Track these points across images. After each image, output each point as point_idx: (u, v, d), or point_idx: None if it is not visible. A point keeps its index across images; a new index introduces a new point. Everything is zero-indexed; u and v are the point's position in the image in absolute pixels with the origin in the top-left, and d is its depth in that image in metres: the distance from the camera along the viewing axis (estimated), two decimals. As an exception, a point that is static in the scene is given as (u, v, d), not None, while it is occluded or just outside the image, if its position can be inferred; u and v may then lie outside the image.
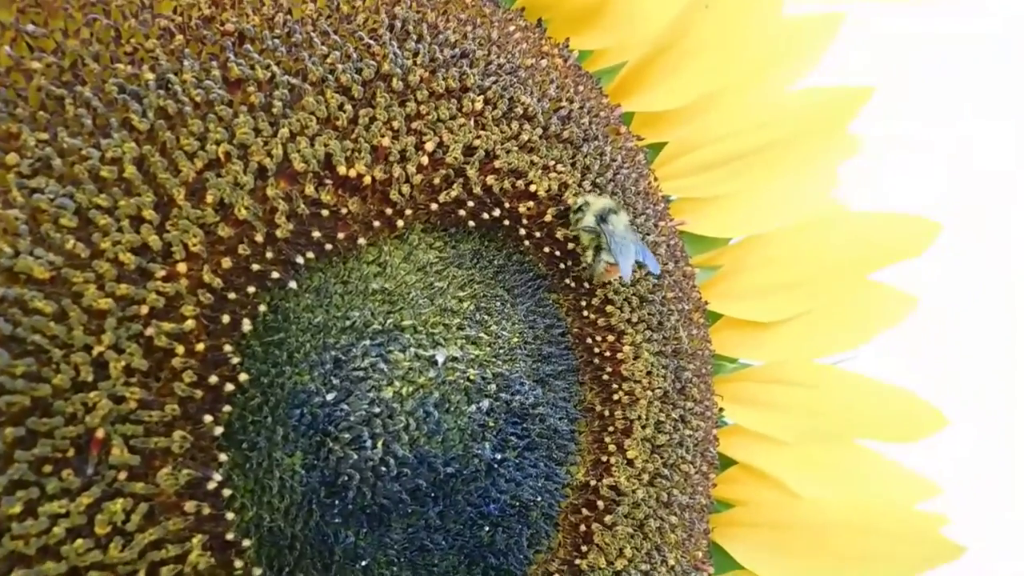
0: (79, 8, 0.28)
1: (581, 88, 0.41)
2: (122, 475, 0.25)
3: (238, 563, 0.26)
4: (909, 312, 0.49)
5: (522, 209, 0.35)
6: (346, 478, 0.29)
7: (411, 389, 0.30)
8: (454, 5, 0.37)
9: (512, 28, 0.40)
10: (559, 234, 0.36)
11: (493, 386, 0.32)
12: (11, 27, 0.27)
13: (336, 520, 0.29)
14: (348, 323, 0.30)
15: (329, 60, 0.31)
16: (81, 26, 0.27)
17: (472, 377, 0.32)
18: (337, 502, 0.29)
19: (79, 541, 0.24)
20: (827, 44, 0.47)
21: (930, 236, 0.46)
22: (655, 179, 0.46)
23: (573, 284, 0.37)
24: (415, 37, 0.33)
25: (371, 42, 0.32)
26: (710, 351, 0.46)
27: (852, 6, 0.47)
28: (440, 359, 0.31)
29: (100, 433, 0.24)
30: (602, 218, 0.36)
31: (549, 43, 0.42)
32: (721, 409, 0.48)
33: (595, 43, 0.46)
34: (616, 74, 0.46)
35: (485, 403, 0.32)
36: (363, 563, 0.30)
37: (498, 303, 0.34)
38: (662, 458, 0.39)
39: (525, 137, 0.36)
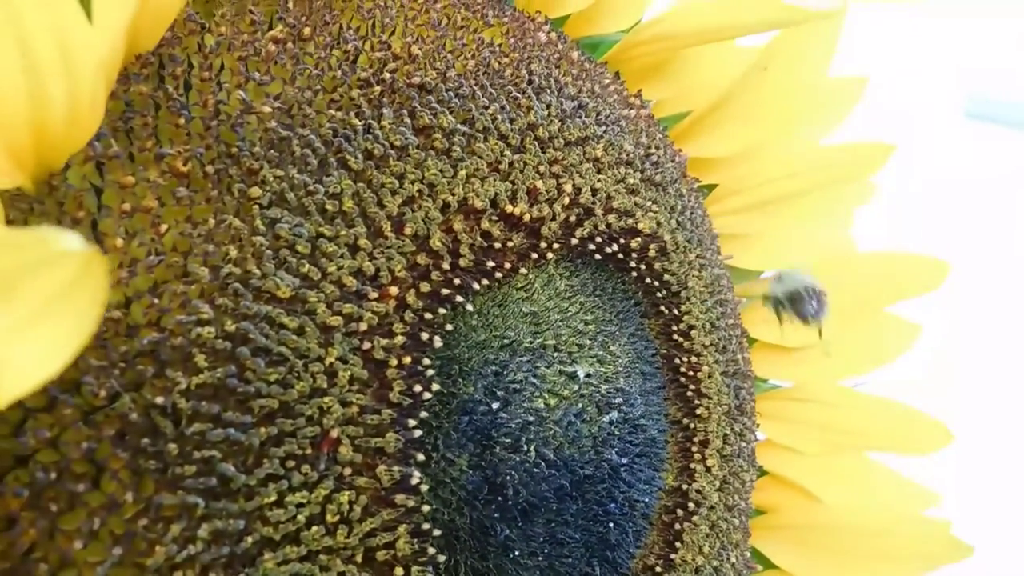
0: (290, 59, 0.31)
1: (658, 135, 0.47)
2: (347, 471, 0.28)
3: (431, 550, 0.30)
4: (916, 340, 0.56)
5: (633, 244, 0.40)
6: (505, 478, 0.33)
7: (557, 401, 0.35)
8: (565, 61, 0.42)
9: (606, 81, 0.45)
10: (656, 266, 0.41)
11: (618, 399, 0.37)
12: (239, 73, 0.30)
13: (495, 515, 0.33)
14: (505, 342, 0.34)
15: (490, 111, 0.35)
16: (295, 74, 0.31)
17: (603, 392, 0.36)
18: (498, 498, 0.33)
19: (314, 528, 0.28)
20: (855, 102, 0.54)
21: (940, 275, 0.54)
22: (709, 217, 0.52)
23: (665, 311, 0.42)
24: (547, 91, 0.38)
25: (518, 95, 0.36)
26: (752, 372, 0.52)
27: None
28: (581, 374, 0.36)
29: (334, 433, 0.28)
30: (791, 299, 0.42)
31: (629, 94, 0.47)
32: (757, 424, 0.53)
33: (658, 94, 0.52)
34: (674, 122, 0.52)
35: (614, 414, 0.36)
36: (514, 554, 0.34)
37: (612, 327, 0.39)
38: (728, 467, 0.45)
39: (630, 180, 0.41)
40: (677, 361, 0.42)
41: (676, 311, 0.42)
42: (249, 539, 0.27)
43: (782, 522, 0.54)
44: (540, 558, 0.35)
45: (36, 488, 0.25)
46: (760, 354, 0.55)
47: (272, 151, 0.29)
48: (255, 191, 0.29)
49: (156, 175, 0.28)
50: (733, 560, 0.46)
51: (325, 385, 0.28)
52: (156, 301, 0.26)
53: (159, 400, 0.26)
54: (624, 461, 0.37)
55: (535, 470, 0.34)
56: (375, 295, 0.30)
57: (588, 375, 0.36)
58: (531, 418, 0.34)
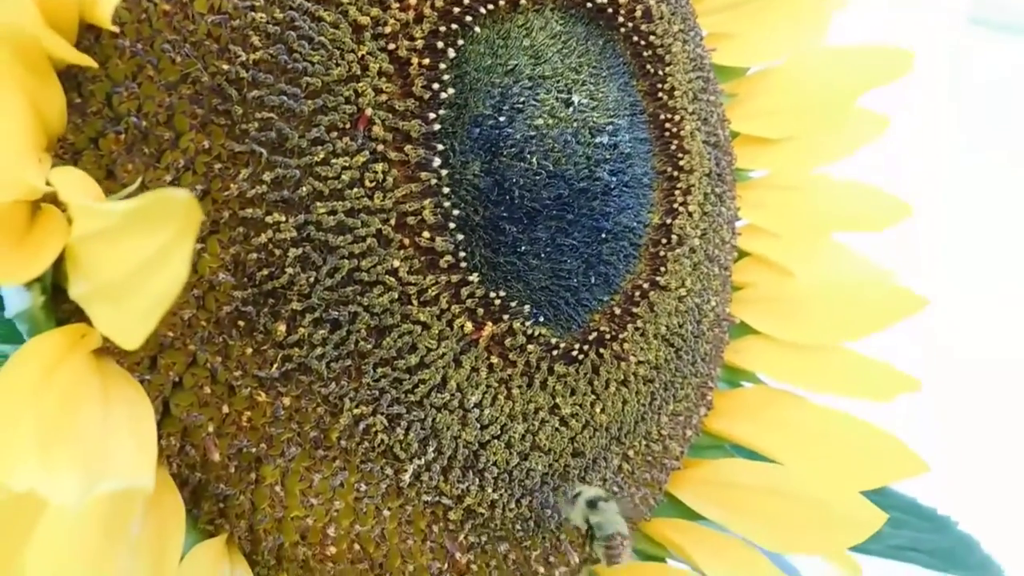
0: None
1: None
2: (380, 146, 0.34)
3: (452, 225, 0.36)
4: (883, 131, 0.61)
5: (621, 0, 0.44)
6: (512, 182, 0.39)
7: (554, 121, 0.40)
8: None
9: None
10: (643, 27, 0.46)
11: (610, 127, 0.42)
12: None
13: (504, 215, 0.39)
14: (509, 68, 0.39)
15: None
16: None
17: (596, 119, 0.42)
18: (507, 199, 0.39)
19: (356, 189, 0.33)
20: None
21: (906, 64, 0.58)
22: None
23: (651, 70, 0.47)
24: None
25: None
26: (733, 151, 0.57)
27: None
28: (576, 101, 0.41)
29: (368, 112, 0.33)
30: (592, 503, 0.40)
31: None
32: (738, 208, 0.59)
33: None
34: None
35: (605, 138, 0.42)
36: (521, 250, 0.40)
37: (603, 74, 0.44)
38: (708, 222, 0.50)
39: None
40: (662, 117, 0.48)
41: (661, 72, 0.47)
42: (303, 189, 0.32)
43: (759, 295, 0.60)
44: (543, 259, 0.41)
45: (130, 137, 0.30)
46: (742, 147, 0.61)
47: None
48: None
49: None
50: (713, 304, 0.52)
51: (359, 72, 0.34)
52: (216, -11, 0.31)
53: (224, 67, 0.31)
54: (614, 180, 0.43)
55: (537, 178, 0.39)
56: (397, 5, 0.35)
57: (582, 103, 0.41)
58: (533, 133, 0.39)
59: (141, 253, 0.20)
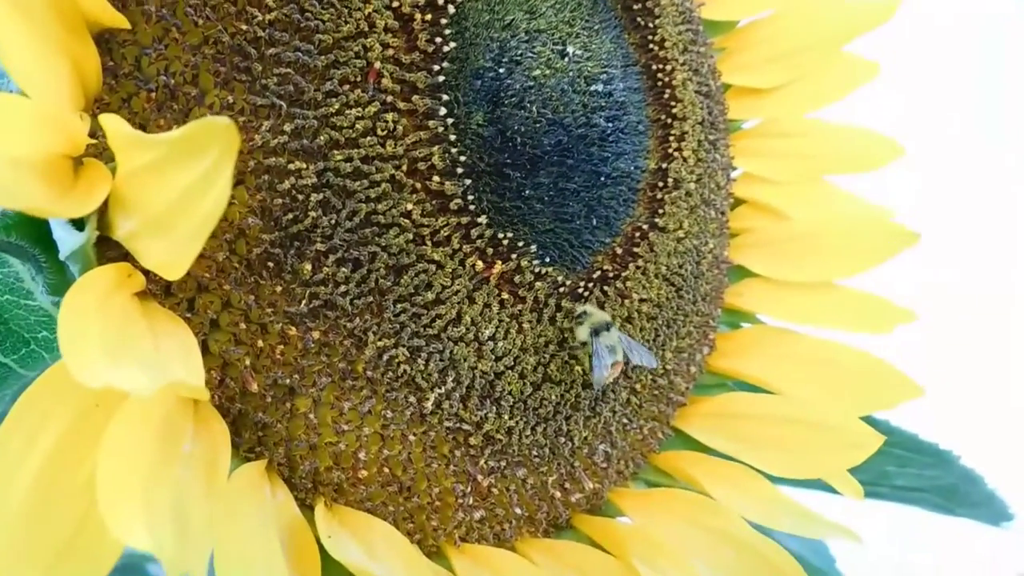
0: None
1: None
2: (390, 97, 0.36)
3: (459, 170, 0.39)
4: (873, 76, 0.63)
5: (609, -43, 0.47)
6: (513, 130, 0.41)
7: (551, 72, 0.43)
8: None
9: None
10: None
11: (604, 76, 0.45)
12: None
13: (507, 161, 0.41)
14: (506, 23, 0.42)
15: None
16: None
17: (590, 69, 0.44)
18: (509, 146, 0.41)
19: (369, 138, 0.36)
20: None
21: (892, 7, 0.60)
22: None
23: (641, 23, 0.49)
24: None
25: None
26: (725, 102, 0.59)
27: None
28: (571, 51, 0.43)
29: (377, 65, 0.36)
30: (595, 331, 0.43)
31: None
32: (732, 157, 0.61)
33: None
34: None
35: (600, 87, 0.44)
36: (525, 193, 0.42)
37: (595, 27, 0.46)
38: (703, 168, 0.53)
39: None
40: (654, 68, 0.50)
41: (651, 24, 0.49)
42: (321, 138, 0.35)
43: (757, 239, 0.62)
44: (547, 203, 0.43)
45: (160, 96, 0.33)
46: (735, 99, 0.63)
47: None
48: None
49: None
50: (712, 246, 0.54)
51: (367, 29, 0.36)
52: (229, -46, 0.34)
53: (243, 27, 0.34)
54: (611, 127, 0.45)
55: (537, 126, 0.42)
56: None
57: (576, 54, 0.44)
58: (531, 84, 0.42)
59: (186, 177, 0.23)
